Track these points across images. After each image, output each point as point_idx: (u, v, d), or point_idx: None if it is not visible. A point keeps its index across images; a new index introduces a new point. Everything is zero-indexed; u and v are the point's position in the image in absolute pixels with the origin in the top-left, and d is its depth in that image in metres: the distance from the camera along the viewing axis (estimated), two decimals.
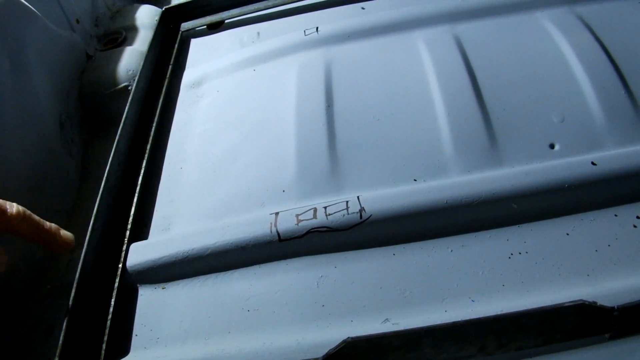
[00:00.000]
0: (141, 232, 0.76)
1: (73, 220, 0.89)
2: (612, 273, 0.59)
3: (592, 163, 0.66)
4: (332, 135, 0.79)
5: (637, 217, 0.64)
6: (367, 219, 0.66)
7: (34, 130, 0.85)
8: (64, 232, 0.64)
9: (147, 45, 1.04)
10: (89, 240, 0.68)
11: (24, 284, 0.78)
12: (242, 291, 0.66)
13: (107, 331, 0.63)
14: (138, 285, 0.69)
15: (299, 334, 0.60)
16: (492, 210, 0.66)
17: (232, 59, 1.01)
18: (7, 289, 0.74)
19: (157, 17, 1.17)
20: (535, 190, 0.65)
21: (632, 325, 0.53)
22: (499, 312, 0.53)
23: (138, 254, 0.70)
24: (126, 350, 0.64)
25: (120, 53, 1.10)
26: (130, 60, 1.08)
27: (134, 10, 1.27)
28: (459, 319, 0.52)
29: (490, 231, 0.65)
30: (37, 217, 0.61)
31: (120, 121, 0.86)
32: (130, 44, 1.15)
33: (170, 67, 1.04)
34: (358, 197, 0.68)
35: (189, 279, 0.68)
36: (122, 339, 0.65)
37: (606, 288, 0.57)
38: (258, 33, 1.08)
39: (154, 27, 1.11)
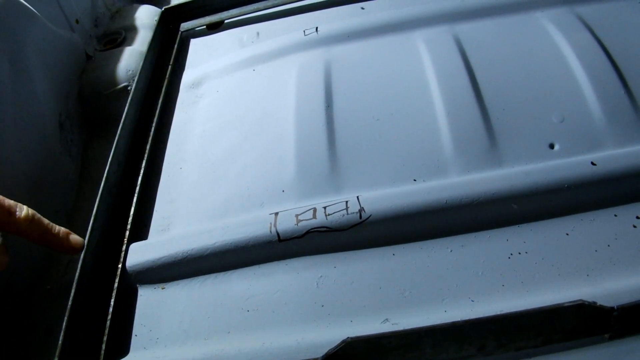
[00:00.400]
0: (141, 232, 0.76)
1: (73, 220, 0.89)
2: (612, 273, 0.59)
3: (592, 163, 0.66)
4: (331, 136, 0.79)
5: (637, 217, 0.64)
6: (367, 219, 0.66)
7: (33, 130, 0.85)
8: (74, 237, 0.64)
9: (146, 46, 1.04)
10: (88, 240, 0.68)
11: (24, 284, 0.78)
12: (241, 291, 0.66)
13: (106, 331, 0.63)
14: (138, 285, 0.69)
15: (299, 334, 0.60)
16: (492, 210, 0.66)
17: (232, 59, 1.01)
18: (7, 289, 0.74)
19: (156, 17, 1.17)
20: (535, 190, 0.65)
21: (631, 325, 0.53)
22: (499, 312, 0.53)
23: (138, 254, 0.69)
24: (126, 351, 0.64)
25: (120, 53, 1.10)
26: (130, 60, 1.08)
27: (134, 11, 1.27)
28: (459, 319, 0.52)
29: (490, 231, 0.65)
30: (46, 221, 0.61)
31: (120, 121, 0.86)
32: (130, 44, 1.15)
33: (169, 67, 1.04)
34: (358, 197, 0.68)
35: (189, 279, 0.68)
36: (122, 339, 0.65)
37: (606, 288, 0.57)
38: (258, 33, 1.08)
39: (153, 27, 1.11)
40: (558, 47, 0.84)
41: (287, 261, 0.67)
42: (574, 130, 0.73)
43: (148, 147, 0.87)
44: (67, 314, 0.61)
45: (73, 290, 0.63)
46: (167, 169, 0.85)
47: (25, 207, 0.59)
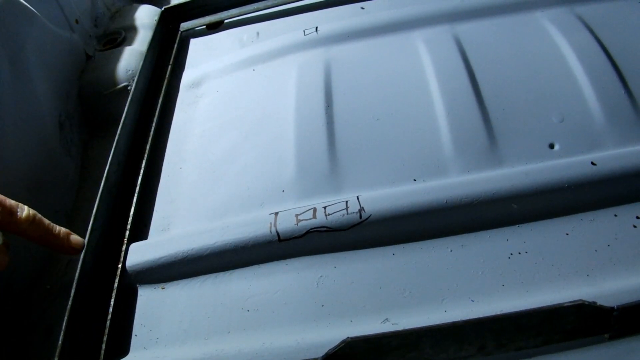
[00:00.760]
0: (141, 232, 0.76)
1: (73, 220, 0.89)
2: (612, 273, 0.59)
3: (592, 163, 0.66)
4: (331, 135, 0.79)
5: (637, 217, 0.64)
6: (367, 218, 0.66)
7: (33, 130, 0.85)
8: (74, 237, 0.64)
9: (146, 45, 1.04)
10: (88, 240, 0.68)
11: (24, 284, 0.78)
12: (241, 291, 0.66)
13: (106, 331, 0.63)
14: (137, 285, 0.69)
15: (299, 334, 0.60)
16: (492, 210, 0.66)
17: (232, 59, 1.01)
18: (7, 289, 0.74)
19: (156, 17, 1.17)
20: (535, 190, 0.65)
21: (631, 325, 0.53)
22: (499, 312, 0.53)
23: (138, 254, 0.69)
24: (126, 350, 0.64)
25: (120, 53, 1.10)
26: (130, 60, 1.08)
27: (134, 11, 1.27)
28: (459, 319, 0.52)
29: (490, 231, 0.65)
30: (47, 222, 0.61)
31: (120, 121, 0.86)
32: (130, 44, 1.15)
33: (169, 67, 1.04)
34: (357, 197, 0.68)
35: (189, 279, 0.68)
36: (122, 339, 0.65)
37: (606, 288, 0.57)
38: (257, 33, 1.08)
39: (153, 27, 1.11)
40: (558, 47, 0.84)
41: (287, 261, 0.67)
42: (574, 130, 0.73)
43: (148, 147, 0.87)
44: (67, 314, 0.61)
45: (73, 290, 0.63)
46: (167, 169, 0.85)
47: (26, 207, 0.59)
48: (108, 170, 0.78)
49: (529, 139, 0.73)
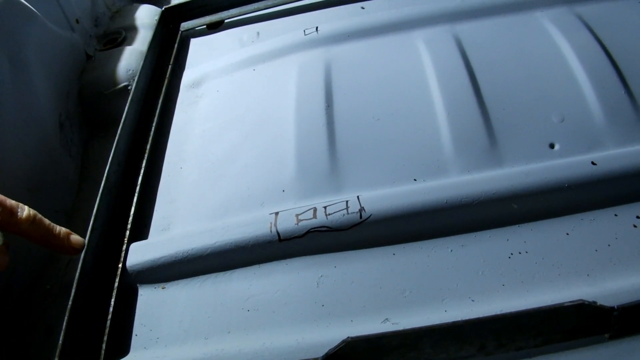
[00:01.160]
0: (141, 232, 0.76)
1: (73, 220, 0.89)
2: (612, 273, 0.59)
3: (592, 163, 0.66)
4: (331, 135, 0.79)
5: (637, 217, 0.64)
6: (367, 218, 0.66)
7: (33, 130, 0.85)
8: (74, 237, 0.64)
9: (146, 45, 1.04)
10: (88, 240, 0.68)
11: (24, 284, 0.78)
12: (242, 291, 0.66)
13: (107, 331, 0.63)
14: (138, 285, 0.69)
15: (299, 334, 0.60)
16: (492, 210, 0.66)
17: (232, 59, 1.01)
18: (7, 289, 0.74)
19: (156, 17, 1.17)
20: (535, 190, 0.65)
21: (632, 325, 0.53)
22: (499, 312, 0.53)
23: (138, 254, 0.70)
24: (126, 350, 0.64)
25: (120, 53, 1.10)
26: (130, 60, 1.08)
27: (134, 10, 1.27)
28: (459, 319, 0.52)
29: (490, 231, 0.65)
30: (47, 222, 0.61)
31: (120, 121, 0.86)
32: (130, 43, 1.15)
33: (169, 67, 1.04)
34: (358, 196, 0.68)
35: (189, 279, 0.68)
36: (122, 338, 0.65)
37: (606, 288, 0.57)
38: (258, 33, 1.08)
39: (153, 27, 1.11)
40: (558, 47, 0.84)
41: (288, 261, 0.67)
42: (574, 130, 0.73)
43: (148, 147, 0.87)
44: (67, 314, 0.61)
45: (73, 290, 0.63)
46: (167, 169, 0.85)
47: (26, 207, 0.59)
48: (108, 170, 0.78)
49: (529, 138, 0.73)
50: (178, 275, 0.69)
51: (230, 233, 0.68)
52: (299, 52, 0.96)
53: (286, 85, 0.90)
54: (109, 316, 0.65)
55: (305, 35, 0.98)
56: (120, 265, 0.70)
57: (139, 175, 0.82)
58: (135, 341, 0.64)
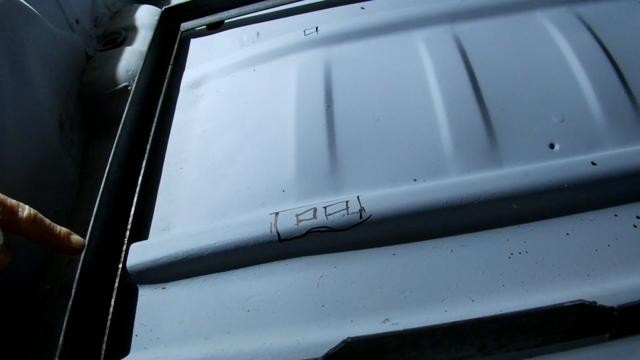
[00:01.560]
0: (141, 232, 0.76)
1: (73, 220, 0.89)
2: (612, 273, 0.59)
3: (592, 163, 0.66)
4: (331, 135, 0.79)
5: (637, 217, 0.64)
6: (367, 219, 0.66)
7: (33, 130, 0.85)
8: (75, 237, 0.64)
9: (146, 46, 1.04)
10: (89, 240, 0.68)
11: (24, 284, 0.78)
12: (242, 291, 0.66)
13: (107, 331, 0.63)
14: (138, 285, 0.69)
15: (299, 334, 0.60)
16: (492, 210, 0.66)
17: (232, 59, 1.01)
18: (7, 289, 0.74)
19: (156, 17, 1.17)
20: (535, 190, 0.65)
21: (632, 325, 0.53)
22: (499, 312, 0.53)
23: (138, 254, 0.70)
24: (126, 350, 0.64)
25: (120, 53, 1.10)
26: (130, 60, 1.08)
27: (134, 11, 1.27)
28: (459, 319, 0.52)
29: (490, 231, 0.65)
30: (47, 222, 0.61)
31: (120, 121, 0.86)
32: (130, 44, 1.15)
33: (169, 67, 1.04)
34: (358, 197, 0.68)
35: (189, 279, 0.68)
36: (122, 339, 0.65)
37: (606, 288, 0.57)
38: (258, 33, 1.08)
39: (153, 27, 1.11)
40: (558, 47, 0.84)
41: (288, 261, 0.67)
42: (574, 130, 0.73)
43: (148, 147, 0.87)
44: (67, 314, 0.61)
45: (73, 291, 0.63)
46: (167, 169, 0.85)
47: (27, 206, 0.59)
48: (108, 170, 0.78)
49: (529, 139, 0.73)
50: (178, 276, 0.69)
51: (230, 233, 0.68)
52: (299, 52, 0.96)
53: (286, 85, 0.90)
54: (109, 316, 0.65)
55: (305, 35, 0.98)
56: (120, 266, 0.70)
57: (139, 175, 0.82)
58: (135, 341, 0.64)
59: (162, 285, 0.69)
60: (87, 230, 0.69)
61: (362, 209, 0.66)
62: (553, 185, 0.65)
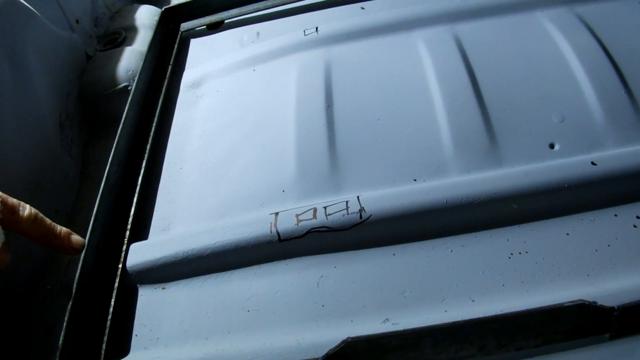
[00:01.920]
0: (141, 232, 0.76)
1: (73, 220, 0.89)
2: (612, 273, 0.59)
3: (592, 163, 0.66)
4: (331, 135, 0.79)
5: (637, 217, 0.64)
6: (367, 219, 0.66)
7: (33, 130, 0.85)
8: (75, 237, 0.64)
9: (146, 46, 1.04)
10: (89, 240, 0.68)
11: (24, 284, 0.78)
12: (242, 291, 0.66)
13: (107, 331, 0.63)
14: (138, 285, 0.69)
15: (299, 334, 0.60)
16: (492, 210, 0.66)
17: (232, 59, 1.01)
18: (7, 289, 0.74)
19: (156, 17, 1.17)
20: (535, 190, 0.65)
21: (632, 325, 0.53)
22: (499, 312, 0.53)
23: (138, 254, 0.70)
24: (126, 351, 0.64)
25: (120, 53, 1.10)
26: (130, 60, 1.08)
27: (134, 11, 1.27)
28: (459, 319, 0.52)
29: (490, 231, 0.65)
30: (48, 221, 0.61)
31: (120, 121, 0.86)
32: (130, 44, 1.15)
33: (170, 67, 1.04)
34: (358, 197, 0.68)
35: (189, 279, 0.68)
36: (122, 339, 0.65)
37: (606, 288, 0.57)
38: (258, 33, 1.08)
39: (153, 27, 1.11)
40: (558, 47, 0.84)
41: (288, 261, 0.67)
42: (574, 130, 0.73)
43: (148, 147, 0.87)
44: (67, 314, 0.61)
45: (73, 291, 0.64)
46: (167, 169, 0.85)
47: (28, 206, 0.59)
48: (108, 170, 0.78)
49: (529, 138, 0.73)
50: (178, 276, 0.69)
51: (231, 233, 0.68)
52: (299, 52, 0.96)
53: (286, 85, 0.90)
54: (109, 316, 0.65)
55: (305, 35, 0.98)
56: (120, 266, 0.70)
57: (139, 175, 0.82)
58: (135, 341, 0.64)
59: (162, 285, 0.69)
60: (87, 230, 0.69)
61: (362, 209, 0.66)
62: (553, 185, 0.65)
